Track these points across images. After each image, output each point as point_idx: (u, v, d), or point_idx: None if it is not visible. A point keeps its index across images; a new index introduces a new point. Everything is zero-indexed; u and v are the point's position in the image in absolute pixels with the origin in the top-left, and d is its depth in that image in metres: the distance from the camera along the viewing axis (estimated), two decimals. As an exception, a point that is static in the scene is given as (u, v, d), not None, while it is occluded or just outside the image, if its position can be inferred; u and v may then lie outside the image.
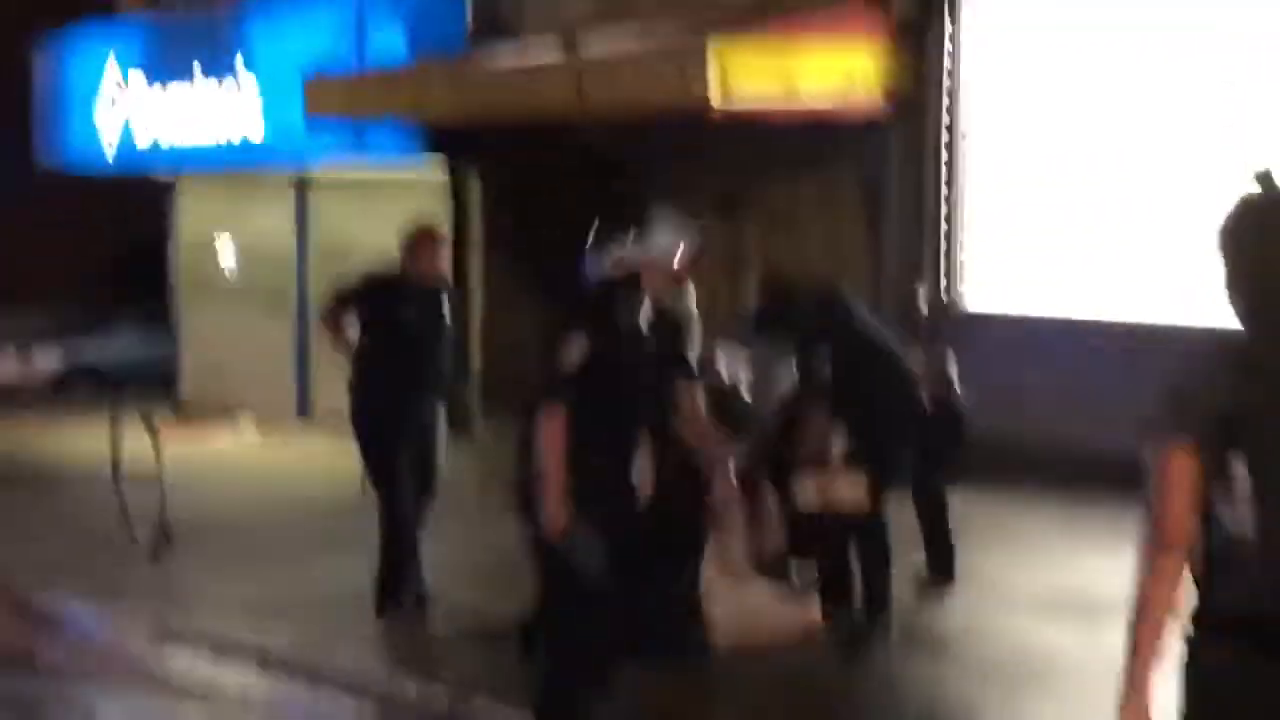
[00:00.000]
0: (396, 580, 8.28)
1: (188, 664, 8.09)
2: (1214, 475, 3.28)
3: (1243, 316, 3.41)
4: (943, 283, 11.85)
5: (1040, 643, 7.58)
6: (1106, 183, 11.03)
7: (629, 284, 5.96)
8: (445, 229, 8.86)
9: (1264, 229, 3.41)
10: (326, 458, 13.99)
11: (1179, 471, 3.30)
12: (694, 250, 6.29)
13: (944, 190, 11.82)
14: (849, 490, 7.30)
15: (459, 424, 9.18)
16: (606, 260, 6.03)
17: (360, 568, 8.46)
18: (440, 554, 8.66)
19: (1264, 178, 3.44)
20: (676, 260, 6.14)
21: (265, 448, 15.15)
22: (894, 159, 12.03)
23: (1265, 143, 9.85)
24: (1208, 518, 3.29)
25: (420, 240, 8.55)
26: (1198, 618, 3.33)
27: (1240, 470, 3.25)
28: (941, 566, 8.45)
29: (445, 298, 8.65)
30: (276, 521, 11.13)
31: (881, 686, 7.06)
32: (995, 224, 11.78)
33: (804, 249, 12.54)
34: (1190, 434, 3.29)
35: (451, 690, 7.10)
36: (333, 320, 8.52)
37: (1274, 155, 3.98)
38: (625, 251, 6.02)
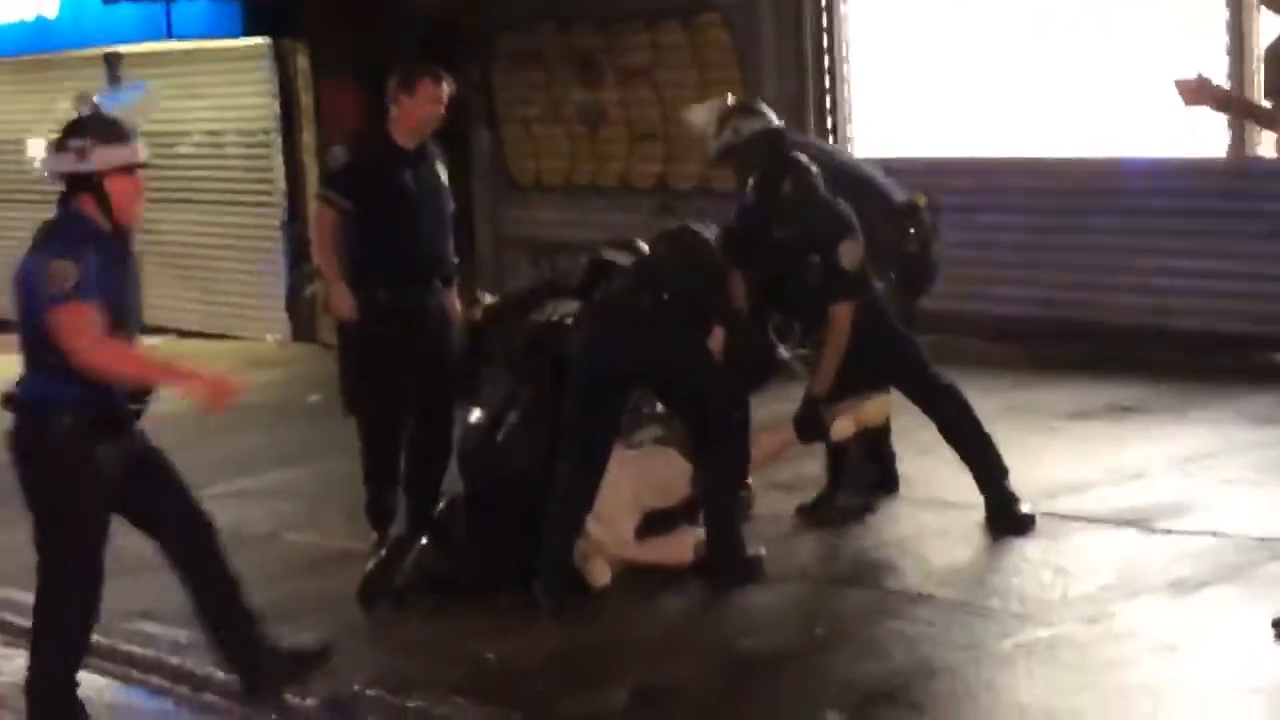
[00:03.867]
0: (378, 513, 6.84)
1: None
2: None
3: None
4: (827, 127, 10.84)
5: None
6: (996, 17, 10.03)
7: None
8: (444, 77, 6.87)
9: None
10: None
11: None
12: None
13: (823, 26, 10.79)
14: (875, 409, 6.89)
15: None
16: None
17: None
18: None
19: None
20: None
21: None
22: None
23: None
24: None
25: (417, 84, 6.74)
26: None
27: None
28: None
29: (439, 162, 6.92)
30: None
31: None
32: (880, 62, 10.67)
33: (671, 105, 11.46)
34: None
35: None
36: (332, 218, 6.71)
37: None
38: None
